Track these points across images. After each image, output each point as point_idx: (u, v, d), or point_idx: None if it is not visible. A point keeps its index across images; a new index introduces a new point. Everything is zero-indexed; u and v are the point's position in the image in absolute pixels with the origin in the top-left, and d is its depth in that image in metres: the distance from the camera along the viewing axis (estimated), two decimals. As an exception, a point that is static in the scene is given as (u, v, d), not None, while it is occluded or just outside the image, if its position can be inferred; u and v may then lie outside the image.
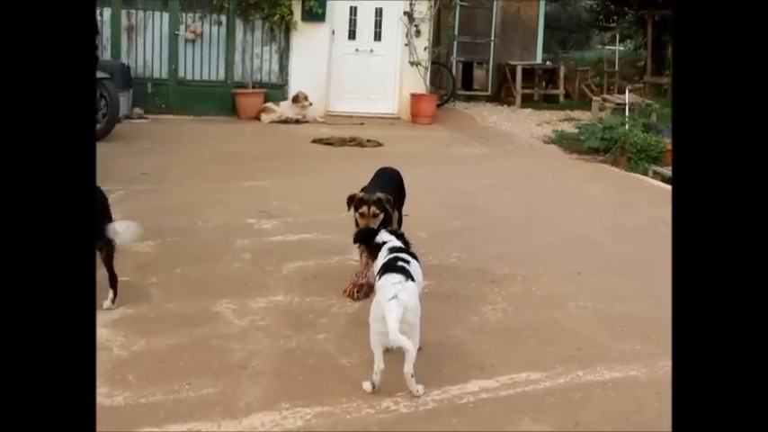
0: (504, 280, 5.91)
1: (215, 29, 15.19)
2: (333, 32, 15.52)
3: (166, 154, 10.61)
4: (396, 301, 3.94)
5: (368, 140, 12.38)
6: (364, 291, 5.30)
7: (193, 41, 15.15)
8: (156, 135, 12.36)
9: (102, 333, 4.62)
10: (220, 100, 14.94)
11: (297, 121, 14.38)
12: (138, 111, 14.42)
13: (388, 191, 5.67)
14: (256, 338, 4.65)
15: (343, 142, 12.26)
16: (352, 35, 15.82)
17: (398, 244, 4.61)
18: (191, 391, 3.97)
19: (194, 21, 15.03)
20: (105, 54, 14.41)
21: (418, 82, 15.65)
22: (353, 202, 5.38)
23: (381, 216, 5.32)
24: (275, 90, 15.17)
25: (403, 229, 6.10)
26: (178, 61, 15.16)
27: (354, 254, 6.14)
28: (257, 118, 14.43)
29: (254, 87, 15.10)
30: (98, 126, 11.70)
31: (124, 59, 14.87)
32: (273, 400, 3.91)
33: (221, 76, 15.25)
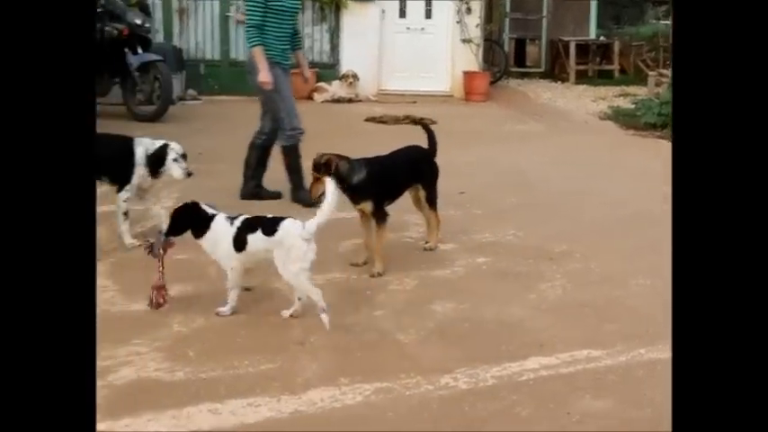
0: (562, 257, 5.83)
1: (266, 10, 15.19)
2: (383, 11, 15.44)
3: (220, 134, 10.65)
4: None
5: (421, 118, 12.24)
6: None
7: (244, 23, 15.15)
8: (209, 116, 12.43)
9: (162, 309, 4.66)
10: (273, 80, 14.95)
11: (349, 100, 14.38)
12: (191, 92, 14.52)
13: (397, 166, 5.74)
14: (314, 315, 4.65)
15: (397, 120, 12.21)
16: (402, 13, 15.73)
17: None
18: (250, 366, 3.98)
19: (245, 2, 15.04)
20: (158, 37, 14.50)
21: (470, 59, 15.52)
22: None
23: (327, 180, 5.13)
24: (327, 70, 15.14)
25: (459, 206, 6.07)
26: (230, 43, 15.22)
27: (410, 230, 6.14)
28: (310, 98, 14.42)
29: (305, 67, 15.06)
30: (152, 108, 11.84)
31: (176, 42, 14.98)
32: (332, 375, 3.91)
33: (273, 56, 15.26)
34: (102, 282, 5.02)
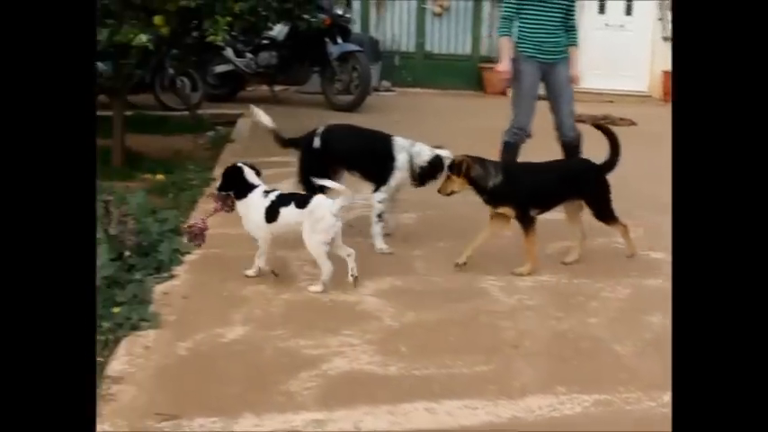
0: None
1: (462, 3, 15.20)
2: (582, 6, 15.07)
3: (416, 127, 10.63)
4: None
5: (620, 119, 11.93)
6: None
7: (440, 15, 15.22)
8: (404, 108, 12.52)
9: (372, 302, 4.69)
10: (466, 74, 14.94)
11: (543, 97, 14.13)
12: (385, 83, 14.71)
13: (545, 174, 5.61)
14: (525, 318, 4.55)
15: (595, 120, 11.86)
16: (601, 9, 15.36)
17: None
18: (464, 367, 3.92)
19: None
20: (355, 27, 14.73)
21: (671, 59, 14.92)
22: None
23: (456, 182, 5.33)
24: (521, 65, 14.95)
25: (666, 212, 5.77)
26: (425, 35, 15.29)
27: (618, 236, 5.92)
28: (504, 93, 14.27)
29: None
30: (349, 97, 12.05)
31: (373, 33, 15.19)
32: (549, 383, 3.79)
33: (467, 50, 15.26)
34: (312, 270, 5.10)
